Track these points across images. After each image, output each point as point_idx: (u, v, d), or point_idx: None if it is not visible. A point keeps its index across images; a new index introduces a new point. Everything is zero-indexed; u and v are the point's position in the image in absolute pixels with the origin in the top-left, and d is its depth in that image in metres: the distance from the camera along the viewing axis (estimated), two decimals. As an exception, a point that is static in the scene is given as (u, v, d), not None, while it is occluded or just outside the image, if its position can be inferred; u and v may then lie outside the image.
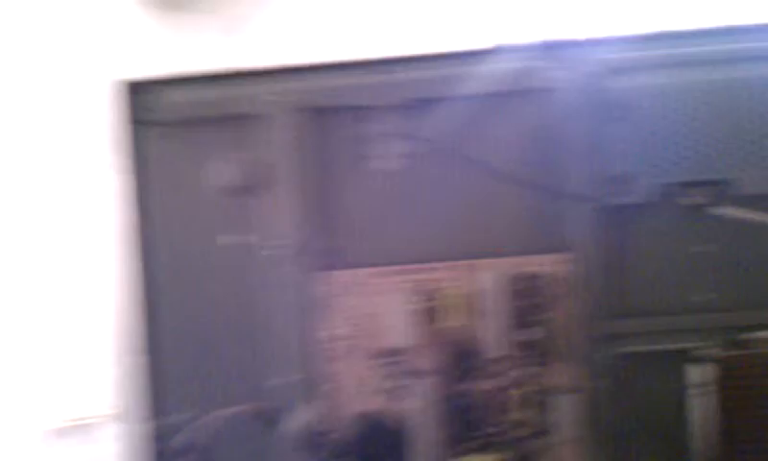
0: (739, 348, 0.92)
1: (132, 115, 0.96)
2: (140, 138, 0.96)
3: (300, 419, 0.92)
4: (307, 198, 0.93)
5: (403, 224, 0.95)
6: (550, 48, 0.93)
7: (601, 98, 0.92)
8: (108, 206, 0.99)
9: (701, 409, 0.91)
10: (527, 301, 0.91)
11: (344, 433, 0.93)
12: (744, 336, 0.92)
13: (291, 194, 0.93)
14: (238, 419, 0.93)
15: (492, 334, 0.91)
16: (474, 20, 2.43)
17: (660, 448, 0.94)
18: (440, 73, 0.93)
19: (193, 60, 2.33)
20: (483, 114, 0.93)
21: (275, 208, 0.93)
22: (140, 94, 0.96)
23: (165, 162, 0.97)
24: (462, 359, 0.91)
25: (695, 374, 0.92)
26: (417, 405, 0.92)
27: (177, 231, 0.97)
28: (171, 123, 0.96)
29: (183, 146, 0.96)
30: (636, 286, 0.94)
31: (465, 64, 0.92)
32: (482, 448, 0.91)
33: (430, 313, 0.92)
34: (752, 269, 0.94)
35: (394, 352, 0.92)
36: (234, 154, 0.95)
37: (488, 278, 0.91)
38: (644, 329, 0.94)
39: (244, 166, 0.94)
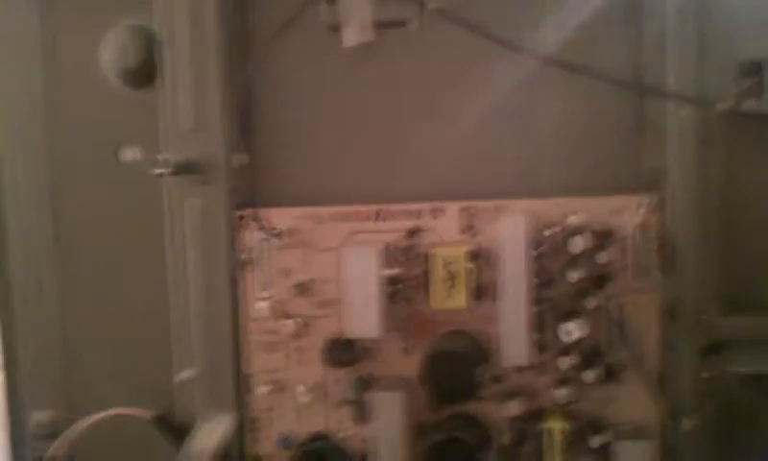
0: None
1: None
2: None
3: (213, 433, 0.64)
4: (231, 90, 0.64)
5: (380, 137, 0.64)
6: None
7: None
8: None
9: None
10: (581, 272, 0.58)
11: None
12: None
13: (204, 84, 0.63)
14: (126, 425, 0.66)
15: (515, 326, 0.58)
16: None
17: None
18: None
19: None
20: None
21: (175, 107, 0.64)
22: None
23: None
24: (463, 364, 0.59)
25: None
26: (387, 431, 0.61)
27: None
28: None
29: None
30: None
31: None
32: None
33: (417, 284, 0.61)
34: None
35: (356, 345, 0.63)
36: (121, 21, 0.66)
37: (514, 229, 0.58)
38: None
39: (132, 39, 0.66)
